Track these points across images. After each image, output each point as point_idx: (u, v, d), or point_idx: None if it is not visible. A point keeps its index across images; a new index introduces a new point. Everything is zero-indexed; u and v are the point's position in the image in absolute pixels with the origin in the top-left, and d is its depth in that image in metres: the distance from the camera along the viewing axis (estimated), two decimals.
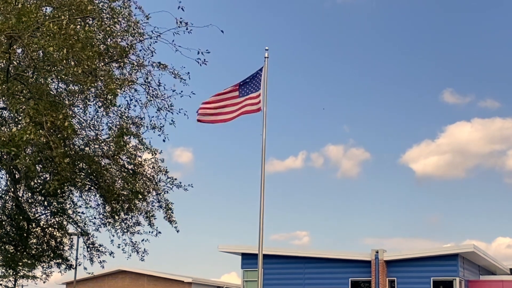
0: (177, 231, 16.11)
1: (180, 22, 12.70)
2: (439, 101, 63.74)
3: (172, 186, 15.74)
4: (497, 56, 63.25)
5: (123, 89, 13.37)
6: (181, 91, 13.73)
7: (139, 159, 15.29)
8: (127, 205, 15.55)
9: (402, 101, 66.16)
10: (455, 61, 64.88)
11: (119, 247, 16.16)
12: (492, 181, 66.21)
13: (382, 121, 65.02)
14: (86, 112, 14.30)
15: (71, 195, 16.30)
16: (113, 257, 16.95)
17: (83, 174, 15.07)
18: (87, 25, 12.21)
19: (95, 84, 12.23)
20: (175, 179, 15.69)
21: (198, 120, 15.38)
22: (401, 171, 63.91)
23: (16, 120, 12.53)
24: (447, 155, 64.30)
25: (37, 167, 14.31)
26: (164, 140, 14.45)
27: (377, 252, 29.51)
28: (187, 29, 12.76)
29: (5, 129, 12.46)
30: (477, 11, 63.06)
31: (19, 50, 12.29)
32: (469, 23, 63.61)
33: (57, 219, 16.85)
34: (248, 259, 31.60)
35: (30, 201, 16.43)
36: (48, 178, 14.66)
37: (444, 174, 65.40)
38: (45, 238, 17.10)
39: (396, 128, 65.39)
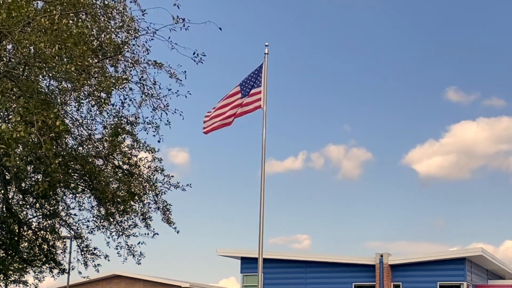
0: (177, 232, 16.19)
1: (177, 18, 12.68)
2: (442, 99, 63.66)
3: (170, 187, 15.77)
4: (503, 52, 63.13)
5: (117, 87, 13.34)
6: (177, 90, 13.73)
7: (135, 158, 15.30)
8: (122, 207, 15.54)
9: (405, 100, 66.13)
10: (459, 58, 64.80)
11: (116, 248, 16.19)
12: (499, 182, 66.09)
13: (384, 120, 64.98)
14: (79, 110, 14.31)
15: (64, 197, 16.30)
16: (109, 260, 16.98)
17: (76, 175, 15.05)
18: (80, 20, 12.18)
19: (88, 82, 12.19)
20: (172, 176, 15.74)
21: (205, 132, 15.41)
22: (404, 172, 63.80)
23: (6, 120, 12.51)
24: (451, 156, 64.23)
25: (28, 168, 14.30)
26: (159, 141, 14.48)
27: (381, 256, 29.48)
28: (184, 25, 12.74)
29: None
30: (481, 6, 63.04)
31: (9, 46, 12.26)
32: (473, 19, 63.60)
33: (49, 221, 16.82)
34: (248, 263, 31.58)
35: (21, 203, 16.41)
36: (39, 179, 14.63)
37: (448, 175, 65.31)
38: (37, 242, 17.07)
39: (398, 127, 65.28)
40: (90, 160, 14.49)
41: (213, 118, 15.40)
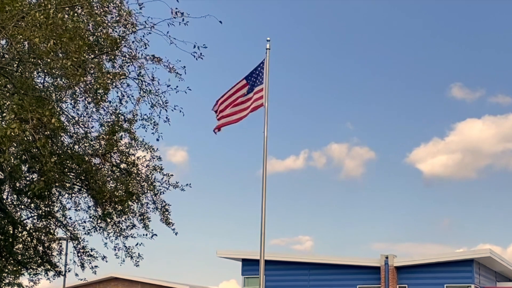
0: (176, 234, 16.13)
1: (176, 13, 12.64)
2: (447, 96, 63.51)
3: (169, 186, 15.74)
4: (508, 48, 62.95)
5: (114, 83, 13.32)
6: (177, 86, 13.66)
7: (132, 157, 15.28)
8: (120, 207, 15.52)
9: (408, 97, 66.04)
10: (463, 54, 64.55)
11: (114, 249, 16.17)
12: (505, 182, 65.89)
13: (387, 118, 64.87)
14: (75, 108, 14.28)
15: (60, 197, 16.28)
16: (106, 261, 16.95)
17: (72, 174, 15.03)
18: (76, 14, 12.15)
19: (85, 78, 12.16)
20: (171, 175, 15.71)
21: (216, 130, 15.53)
22: (408, 172, 63.65)
23: (0, 117, 12.49)
24: (456, 155, 64.07)
25: (23, 167, 14.28)
26: (157, 139, 14.43)
27: (386, 257, 29.47)
28: (183, 20, 12.69)
29: None
30: (485, 1, 62.87)
31: (3, 42, 12.25)
32: (478, 13, 63.43)
33: (44, 222, 16.81)
34: (249, 265, 31.59)
35: (15, 203, 16.39)
36: (34, 179, 14.62)
37: (453, 174, 65.19)
38: (32, 243, 17.05)
39: (402, 125, 65.10)
40: (87, 159, 14.46)
41: (223, 118, 15.50)
